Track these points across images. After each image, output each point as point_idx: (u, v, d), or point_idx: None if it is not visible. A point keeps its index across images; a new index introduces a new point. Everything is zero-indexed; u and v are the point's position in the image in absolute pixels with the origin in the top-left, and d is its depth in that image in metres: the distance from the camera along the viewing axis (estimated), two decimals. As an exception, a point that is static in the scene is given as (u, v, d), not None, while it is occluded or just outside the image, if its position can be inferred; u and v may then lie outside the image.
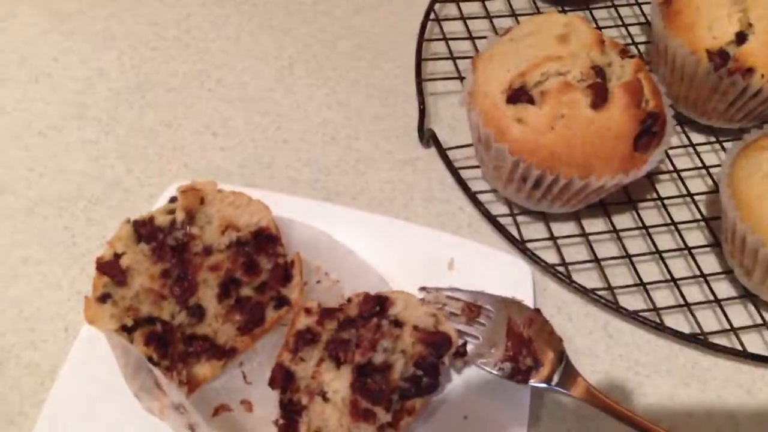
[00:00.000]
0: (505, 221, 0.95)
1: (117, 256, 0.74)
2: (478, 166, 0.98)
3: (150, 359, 0.70)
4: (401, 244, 0.88)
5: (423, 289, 0.85)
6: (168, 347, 0.73)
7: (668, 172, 1.01)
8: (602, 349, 0.88)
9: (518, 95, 0.84)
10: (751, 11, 0.91)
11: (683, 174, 1.01)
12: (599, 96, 0.82)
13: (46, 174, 0.96)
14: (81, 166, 0.97)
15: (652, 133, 0.85)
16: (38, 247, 0.90)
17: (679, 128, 1.05)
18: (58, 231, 0.91)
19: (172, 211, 0.78)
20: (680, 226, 0.96)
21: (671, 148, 1.02)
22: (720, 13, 0.92)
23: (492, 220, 0.94)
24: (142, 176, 0.97)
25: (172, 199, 0.80)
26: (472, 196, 0.96)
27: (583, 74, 0.83)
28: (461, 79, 1.07)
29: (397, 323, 0.76)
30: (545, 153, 0.83)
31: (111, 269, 0.73)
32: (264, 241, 0.79)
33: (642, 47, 1.15)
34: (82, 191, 0.95)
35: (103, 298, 0.72)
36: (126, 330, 0.72)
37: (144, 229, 0.76)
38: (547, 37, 0.86)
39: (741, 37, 0.92)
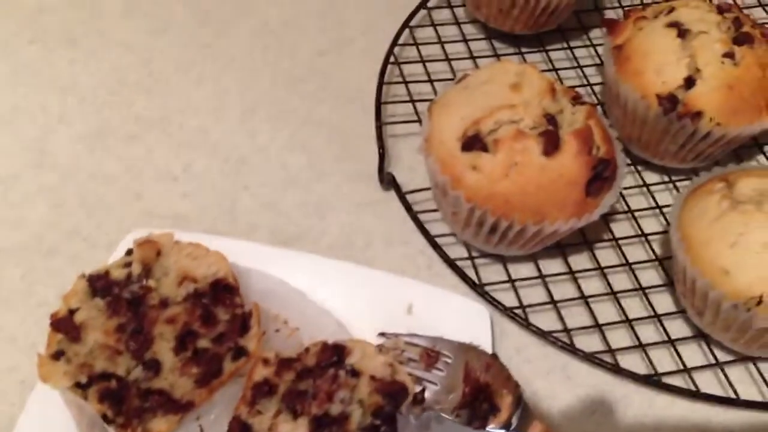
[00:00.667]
0: (464, 264, 0.96)
1: (71, 312, 0.75)
2: (437, 210, 0.99)
3: (104, 417, 0.70)
4: (361, 289, 0.89)
5: (382, 334, 0.85)
6: (123, 403, 0.72)
7: (623, 212, 1.03)
8: (561, 391, 0.89)
9: (473, 143, 0.85)
10: (699, 57, 0.94)
11: (637, 213, 1.03)
12: (551, 143, 0.84)
13: (5, 222, 0.96)
14: (40, 214, 0.97)
15: (604, 178, 0.87)
16: (-6, 298, 0.89)
17: (633, 168, 1.07)
18: (15, 281, 0.91)
19: (128, 264, 0.79)
20: (635, 266, 0.98)
21: (625, 188, 1.05)
22: (668, 58, 0.95)
23: (451, 263, 0.95)
24: (102, 223, 0.97)
25: (129, 252, 0.80)
26: (431, 240, 0.97)
27: (535, 122, 0.85)
28: (420, 121, 1.09)
29: (354, 373, 0.77)
30: (500, 200, 0.84)
31: (65, 326, 0.73)
32: (222, 291, 0.80)
33: (597, 87, 1.17)
34: (40, 240, 0.95)
35: (57, 356, 0.72)
36: (80, 387, 0.71)
37: (99, 284, 0.76)
38: (501, 86, 0.88)
39: (689, 82, 0.94)
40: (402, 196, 1.00)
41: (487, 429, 0.80)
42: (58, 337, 0.73)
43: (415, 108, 1.11)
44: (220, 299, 0.80)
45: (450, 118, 0.88)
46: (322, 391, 0.75)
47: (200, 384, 0.77)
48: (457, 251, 0.98)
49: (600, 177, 0.86)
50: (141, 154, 1.05)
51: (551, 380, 0.90)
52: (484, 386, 0.82)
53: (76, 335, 0.73)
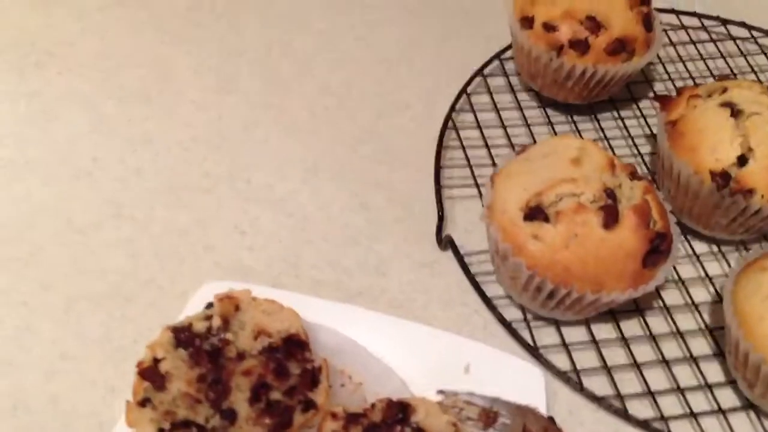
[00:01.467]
0: (519, 326, 0.99)
1: (156, 361, 0.79)
2: (493, 272, 1.03)
3: (186, 463, 0.74)
4: (420, 347, 0.93)
5: (441, 392, 0.89)
6: (203, 451, 0.76)
7: (674, 281, 1.06)
8: (613, 455, 0.92)
9: (534, 213, 0.90)
10: (752, 137, 0.98)
11: (687, 282, 1.06)
12: (611, 217, 0.88)
13: (86, 272, 1.01)
14: (117, 264, 1.03)
15: (660, 251, 0.90)
16: (75, 343, 0.94)
17: (683, 238, 1.11)
18: (94, 327, 0.96)
19: (208, 317, 0.84)
20: (685, 335, 1.00)
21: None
22: (722, 137, 0.99)
23: (506, 324, 0.99)
24: (175, 274, 1.03)
25: (209, 305, 0.85)
26: (488, 301, 1.01)
27: (595, 196, 0.89)
28: (477, 185, 1.14)
29: (419, 431, 0.80)
30: (560, 269, 0.88)
31: (151, 375, 0.78)
32: (294, 346, 0.84)
33: (647, 158, 1.21)
34: (118, 289, 1.00)
35: (144, 403, 0.77)
36: (163, 433, 0.76)
37: (182, 335, 0.81)
38: (562, 160, 0.92)
39: (742, 160, 0.98)
40: (460, 258, 1.05)
41: (544, 491, 0.83)
42: (145, 384, 0.77)
43: (472, 172, 1.16)
44: (292, 354, 0.84)
45: (513, 188, 0.93)
46: (389, 446, 0.78)
47: (272, 434, 0.81)
48: (512, 313, 1.02)
49: (657, 250, 0.90)
50: (211, 208, 1.11)
51: (604, 445, 0.92)
52: (541, 449, 0.85)
53: (161, 384, 0.78)
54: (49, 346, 0.94)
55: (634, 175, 0.94)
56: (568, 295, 0.90)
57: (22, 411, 0.88)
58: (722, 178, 0.98)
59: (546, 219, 0.89)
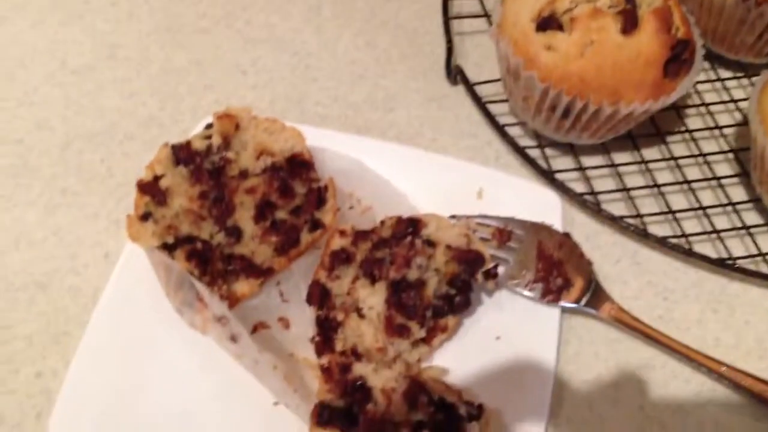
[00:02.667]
0: (534, 153, 0.96)
1: (156, 178, 0.76)
2: (505, 101, 0.99)
3: (191, 274, 0.72)
4: (430, 174, 0.90)
5: (453, 217, 0.86)
6: (208, 264, 0.75)
7: (696, 105, 1.01)
8: (631, 276, 0.89)
9: (548, 23, 0.84)
10: (780, -60, 0.91)
11: (711, 108, 1.01)
12: (630, 21, 0.82)
13: (81, 111, 0.98)
14: (115, 103, 0.99)
15: (682, 60, 0.85)
16: (75, 179, 0.92)
17: (707, 64, 1.05)
18: (95, 164, 0.94)
19: (208, 137, 0.80)
20: (708, 158, 0.96)
21: (699, 82, 1.03)
22: (748, -58, 0.92)
23: (520, 151, 0.95)
24: (174, 113, 0.99)
25: (208, 126, 0.81)
26: (500, 128, 0.97)
27: (612, 0, 0.83)
28: (487, 17, 1.08)
29: (430, 243, 0.78)
30: (575, 79, 0.83)
31: (151, 189, 0.75)
32: (298, 166, 0.81)
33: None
34: (116, 127, 0.97)
35: (145, 217, 0.74)
36: (167, 248, 0.74)
37: (182, 153, 0.78)
38: (577, -35, 0.86)
39: (769, -32, 0.91)
40: (470, 88, 1.00)
41: (560, 303, 0.81)
42: (145, 199, 0.75)
43: (482, 2, 1.10)
44: (297, 173, 0.81)
45: (524, 0, 0.87)
46: (399, 257, 0.76)
47: (279, 252, 0.79)
48: (526, 141, 0.98)
49: (678, 58, 0.85)
50: (209, 49, 1.06)
51: (621, 266, 0.89)
52: (557, 263, 0.82)
53: (162, 198, 0.75)
54: (49, 182, 0.91)
55: (655, -19, 0.87)
56: (584, 109, 0.85)
57: (24, 244, 0.86)
58: (749, -13, 0.92)
59: (560, 27, 0.84)
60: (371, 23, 1.11)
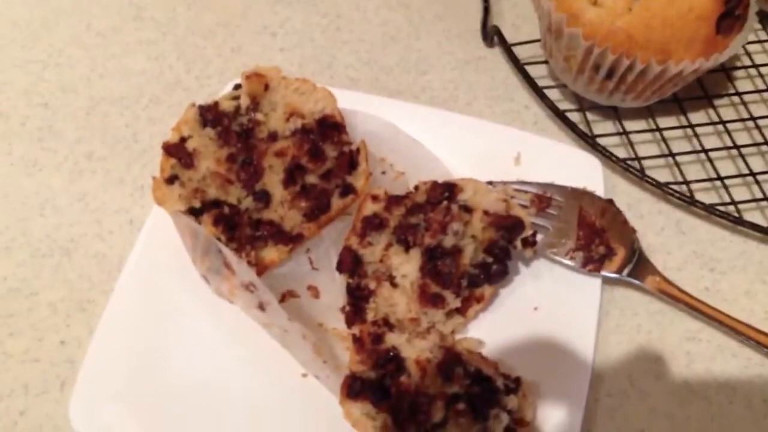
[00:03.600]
0: (574, 117, 0.91)
1: (183, 140, 0.74)
2: (544, 62, 0.95)
3: (218, 240, 0.70)
4: (466, 138, 0.86)
5: (489, 183, 0.82)
6: (236, 230, 0.72)
7: (746, 67, 0.96)
8: (675, 246, 0.85)
9: (593, -24, 0.80)
10: None
11: (762, 70, 0.96)
12: (680, -27, 0.77)
13: (106, 74, 0.96)
14: (140, 66, 0.97)
15: (736, 15, 0.80)
16: (101, 143, 0.90)
17: (758, 25, 1.00)
18: (120, 129, 0.91)
19: (236, 98, 0.77)
20: (759, 122, 0.91)
21: (749, 43, 0.97)
22: None
23: (560, 115, 0.91)
24: (201, 76, 0.96)
25: (237, 86, 0.78)
26: (539, 91, 0.92)
27: (663, -49, 0.78)
28: (526, -24, 1.04)
29: (467, 209, 0.74)
30: (621, 37, 0.79)
31: (178, 151, 0.73)
32: (329, 128, 0.78)
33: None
34: (142, 91, 0.94)
35: (171, 180, 0.72)
36: (194, 212, 0.71)
37: (209, 114, 0.75)
38: None
39: None
40: (508, 48, 0.96)
41: (602, 273, 0.77)
42: (172, 162, 0.72)
43: (520, -38, 1.05)
44: (328, 135, 0.77)
45: (567, -48, 0.82)
46: (434, 223, 0.73)
47: (309, 218, 0.76)
48: (566, 105, 0.93)
49: (731, 14, 0.80)
50: (237, 11, 1.03)
51: (665, 236, 0.86)
52: (599, 230, 0.78)
53: (188, 161, 0.73)
54: (73, 147, 0.89)
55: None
56: (630, 68, 0.81)
57: (50, 210, 0.85)
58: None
59: (606, -19, 0.79)
60: (404, -18, 1.07)
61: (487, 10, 0.99)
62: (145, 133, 0.91)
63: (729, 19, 0.80)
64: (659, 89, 0.85)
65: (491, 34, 0.98)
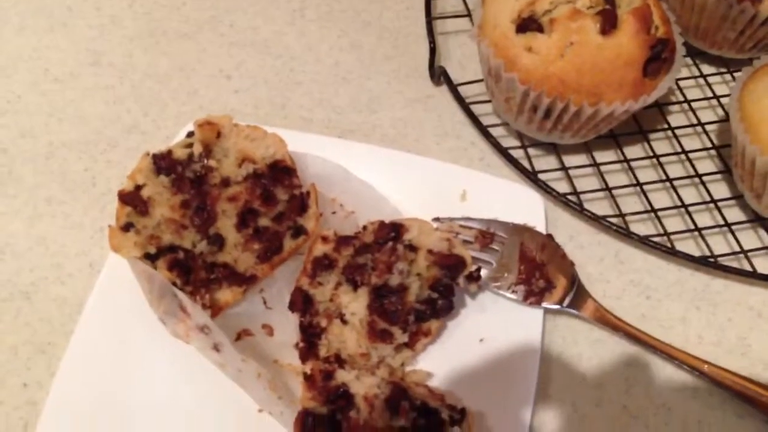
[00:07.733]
0: (517, 154, 0.96)
1: (138, 188, 0.77)
2: (488, 101, 0.99)
3: (174, 284, 0.73)
4: (414, 176, 0.90)
5: (436, 219, 0.86)
6: (190, 273, 0.75)
7: (678, 102, 1.02)
8: (614, 275, 0.89)
9: (527, 24, 0.84)
10: (760, -63, 0.91)
11: (694, 105, 1.01)
12: (609, 22, 0.82)
13: (65, 119, 0.98)
14: (98, 110, 0.99)
15: (662, 59, 0.85)
16: (60, 188, 0.92)
17: (689, 60, 1.05)
18: (79, 173, 0.94)
19: (189, 145, 0.80)
20: (691, 155, 0.97)
21: (682, 78, 1.03)
22: (728, -60, 0.92)
23: (503, 152, 0.95)
24: (158, 119, 0.99)
25: (189, 134, 0.82)
26: (483, 130, 0.97)
27: (592, 1, 0.83)
28: (470, 16, 1.08)
29: (412, 248, 0.78)
30: (555, 81, 0.84)
31: (133, 199, 0.76)
32: (280, 173, 0.81)
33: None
34: (100, 135, 0.97)
35: (127, 227, 0.75)
36: (149, 258, 0.74)
37: (163, 162, 0.78)
38: (556, -33, 0.86)
39: (750, -36, 0.91)
40: (453, 88, 1.00)
41: (543, 305, 0.81)
42: (127, 210, 0.75)
43: (464, 2, 1.10)
44: (279, 180, 0.81)
45: (504, 1, 0.87)
46: (381, 263, 0.76)
47: (262, 259, 0.79)
48: (509, 142, 0.98)
49: (658, 57, 0.85)
50: (193, 54, 1.06)
51: (605, 265, 0.90)
52: (539, 265, 0.83)
53: (143, 208, 0.75)
54: (33, 191, 0.91)
55: (634, -19, 0.87)
56: (565, 110, 0.85)
57: (9, 254, 0.87)
58: (729, -16, 0.92)
59: (540, 29, 0.84)
60: (354, 24, 1.11)
61: (433, 51, 1.04)
62: (104, 176, 0.93)
63: (656, 63, 0.85)
64: (594, 127, 0.90)
65: (438, 74, 1.02)
